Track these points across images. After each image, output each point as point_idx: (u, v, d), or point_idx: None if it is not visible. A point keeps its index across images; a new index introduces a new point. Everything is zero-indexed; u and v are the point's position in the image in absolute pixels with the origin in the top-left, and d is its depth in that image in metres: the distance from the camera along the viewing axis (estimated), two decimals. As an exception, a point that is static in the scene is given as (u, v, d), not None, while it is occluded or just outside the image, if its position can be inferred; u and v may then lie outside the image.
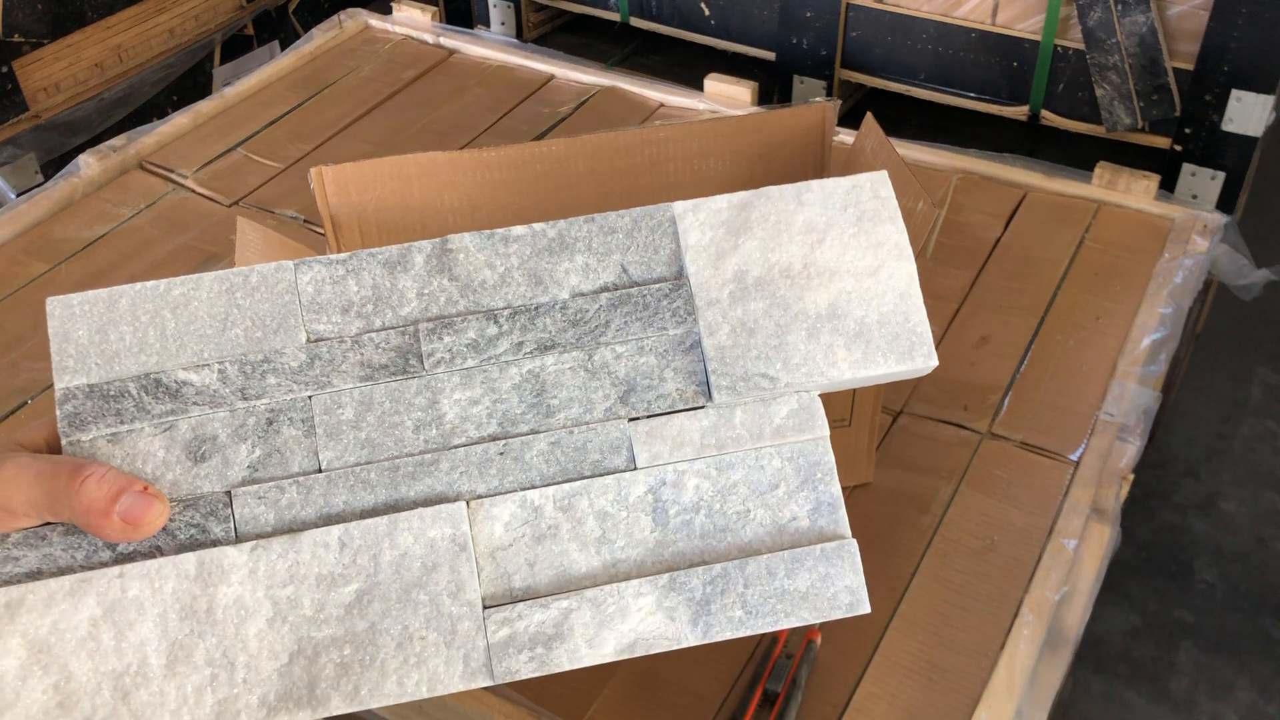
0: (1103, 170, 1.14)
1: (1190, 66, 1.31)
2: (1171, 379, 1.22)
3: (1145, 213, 1.12)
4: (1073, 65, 1.39)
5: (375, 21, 1.50)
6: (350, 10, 1.52)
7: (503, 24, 1.80)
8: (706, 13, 1.65)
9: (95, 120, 1.73)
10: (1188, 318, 1.02)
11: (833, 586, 0.48)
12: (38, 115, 1.67)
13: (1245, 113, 1.29)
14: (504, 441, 0.47)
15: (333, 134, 1.29)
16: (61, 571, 0.45)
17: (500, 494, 0.47)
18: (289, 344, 0.47)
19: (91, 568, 0.45)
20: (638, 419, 0.48)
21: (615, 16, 1.73)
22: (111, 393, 0.46)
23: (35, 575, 0.45)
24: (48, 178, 1.25)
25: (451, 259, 0.49)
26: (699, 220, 0.50)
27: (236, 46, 1.97)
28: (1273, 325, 1.86)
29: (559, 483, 0.47)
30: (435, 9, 1.50)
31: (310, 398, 0.47)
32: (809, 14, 1.54)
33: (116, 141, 1.26)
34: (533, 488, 0.47)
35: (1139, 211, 1.12)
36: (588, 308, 0.49)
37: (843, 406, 0.79)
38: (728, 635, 0.46)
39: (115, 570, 0.45)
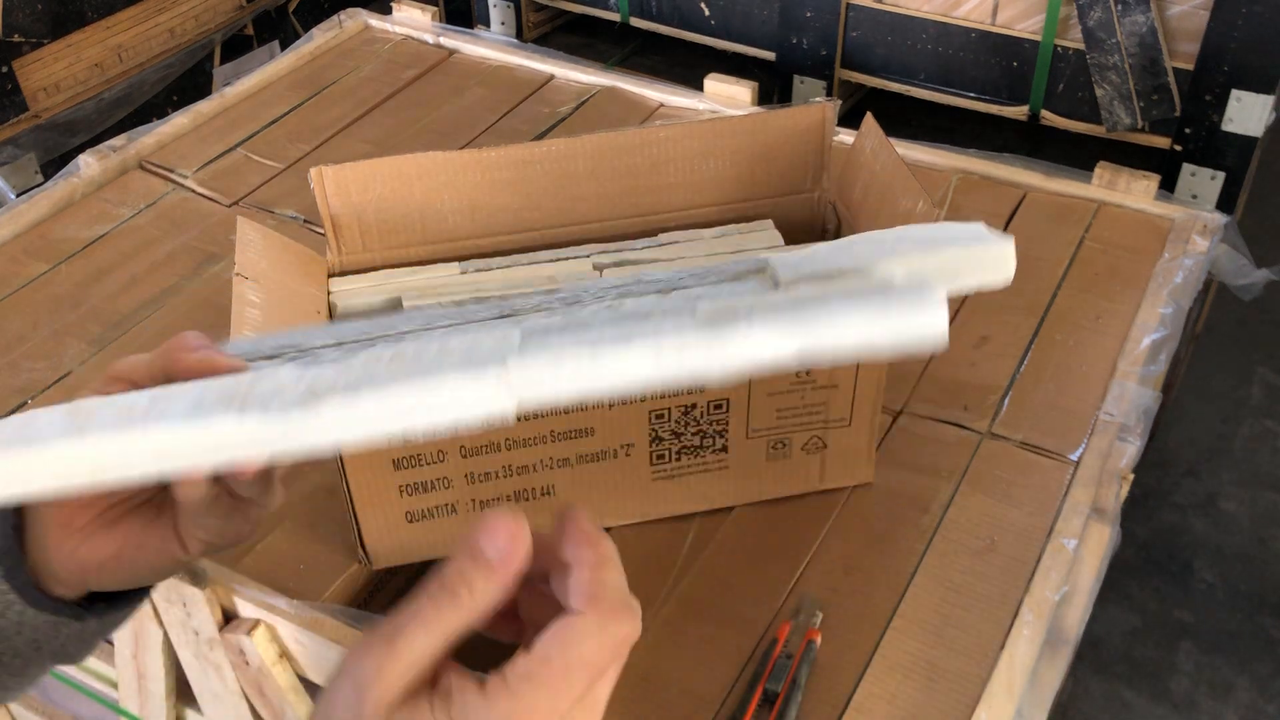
0: (1103, 170, 1.14)
1: (1190, 66, 1.31)
2: (1171, 379, 1.22)
3: (1145, 213, 1.12)
4: (1073, 65, 1.39)
5: (375, 21, 1.50)
6: (350, 10, 1.52)
7: (503, 24, 1.80)
8: (706, 13, 1.65)
9: (95, 120, 1.73)
10: (1188, 318, 1.02)
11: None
12: (38, 115, 1.67)
13: (1245, 113, 1.29)
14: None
15: (333, 134, 1.29)
16: None
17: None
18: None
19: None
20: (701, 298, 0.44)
21: (615, 16, 1.73)
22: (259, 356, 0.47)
23: None
24: (47, 178, 1.25)
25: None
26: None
27: (236, 46, 1.97)
28: (1273, 325, 1.86)
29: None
30: (435, 9, 1.50)
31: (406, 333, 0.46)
32: (809, 14, 1.54)
33: (116, 141, 1.26)
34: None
35: (1139, 211, 1.12)
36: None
37: (843, 406, 0.79)
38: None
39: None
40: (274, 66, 1.41)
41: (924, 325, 0.41)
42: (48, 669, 0.53)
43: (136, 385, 0.45)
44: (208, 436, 0.40)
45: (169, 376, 0.44)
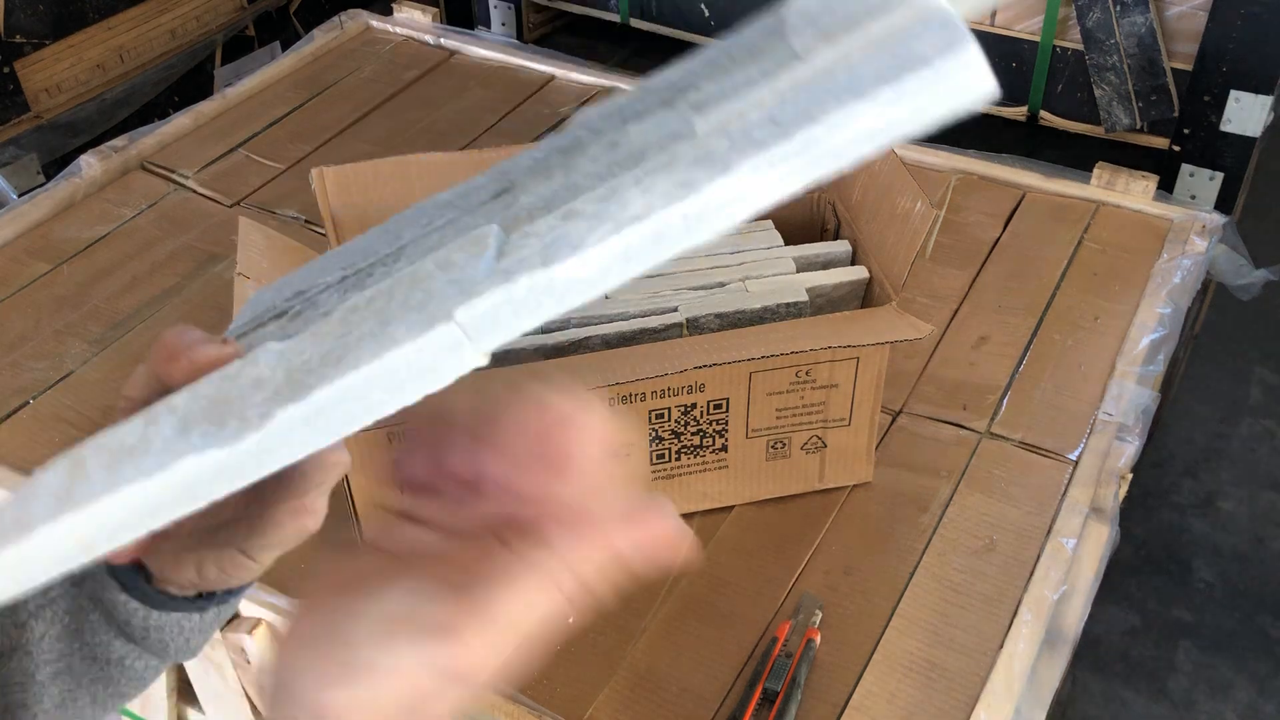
0: (1101, 170, 1.14)
1: (1189, 67, 1.31)
2: (1170, 379, 1.22)
3: (1144, 213, 1.12)
4: (1071, 66, 1.40)
5: (376, 22, 1.50)
6: (351, 11, 1.52)
7: (503, 25, 1.80)
8: (706, 14, 1.65)
9: (97, 121, 1.74)
10: (1186, 318, 1.02)
11: (908, 43, 0.30)
12: (39, 115, 1.67)
13: (1243, 113, 1.30)
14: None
15: (334, 134, 1.29)
16: None
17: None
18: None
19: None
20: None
21: (615, 17, 1.73)
22: (260, 318, 0.43)
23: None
24: (49, 178, 1.26)
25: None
26: None
27: (238, 47, 1.97)
28: (1271, 325, 1.86)
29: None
30: (436, 10, 1.50)
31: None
32: (809, 15, 1.54)
33: (118, 142, 1.26)
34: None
35: (1137, 212, 1.12)
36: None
37: (842, 406, 0.80)
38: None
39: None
40: (275, 67, 1.41)
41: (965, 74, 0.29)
42: (168, 666, 0.53)
43: (141, 401, 0.41)
44: (183, 481, 0.36)
45: (165, 387, 0.41)
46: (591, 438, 0.34)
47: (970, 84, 0.30)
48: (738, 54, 0.35)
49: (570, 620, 0.34)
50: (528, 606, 0.33)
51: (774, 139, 0.31)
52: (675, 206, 0.32)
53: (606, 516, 0.33)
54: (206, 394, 0.37)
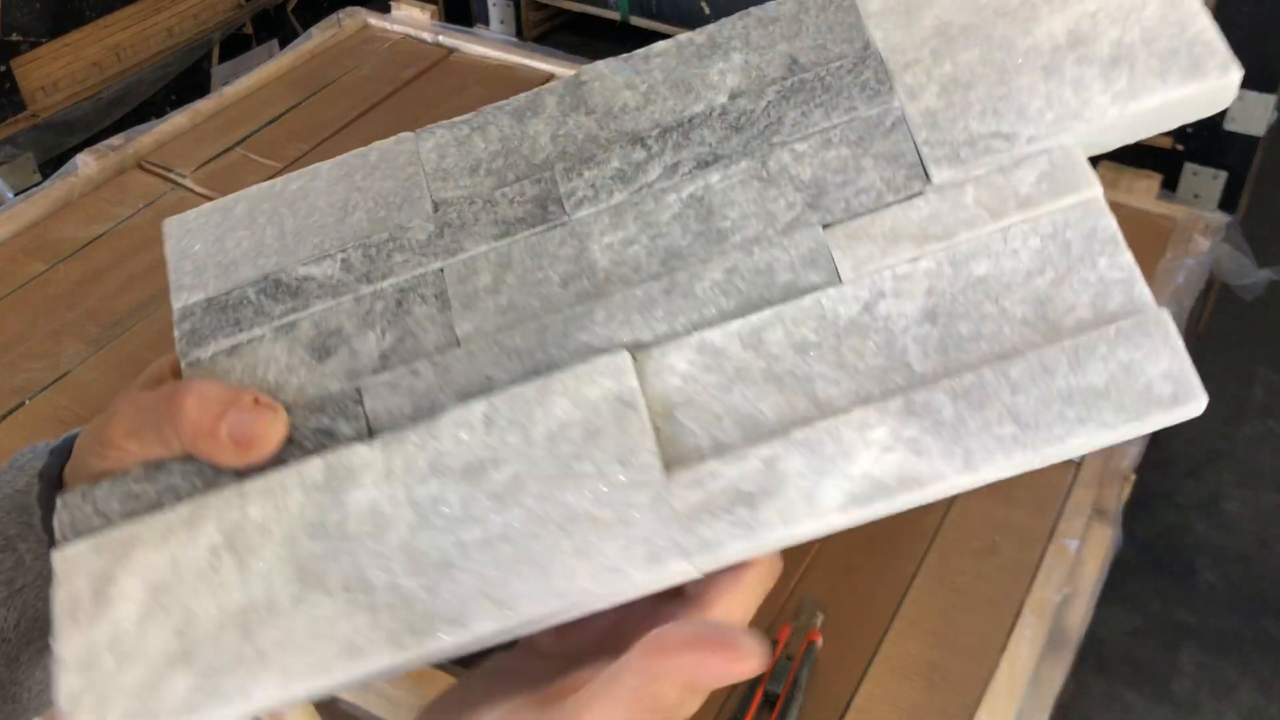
0: (1104, 169, 1.13)
1: (1192, 65, 1.31)
2: (1173, 379, 1.21)
3: (1147, 212, 1.11)
4: (1074, 64, 1.39)
5: (374, 20, 1.50)
6: (349, 9, 1.51)
7: (502, 23, 1.80)
8: (707, 11, 1.64)
9: (93, 119, 1.73)
10: (1190, 318, 1.01)
11: (1142, 375, 0.34)
12: (36, 114, 1.67)
13: (1247, 112, 1.29)
14: (668, 278, 0.38)
15: (332, 133, 1.29)
16: (178, 499, 0.39)
17: (670, 339, 0.37)
18: (415, 217, 0.41)
19: (210, 488, 0.38)
20: (833, 224, 0.37)
21: (615, 15, 1.73)
22: (230, 303, 0.41)
23: (155, 508, 0.38)
24: (45, 177, 1.25)
25: (586, 91, 0.40)
26: None
27: (235, 45, 1.97)
28: (1275, 325, 1.86)
29: (744, 314, 0.37)
30: (434, 7, 1.49)
31: (441, 269, 0.40)
32: (809, 13, 1.54)
33: (115, 141, 1.26)
34: (710, 326, 0.37)
35: (1141, 211, 1.12)
36: (752, 108, 0.39)
37: (843, 406, 0.79)
38: (1000, 461, 0.34)
39: (235, 490, 0.38)
40: (273, 65, 1.41)
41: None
42: None
43: (142, 458, 0.39)
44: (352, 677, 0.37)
45: (184, 452, 0.39)
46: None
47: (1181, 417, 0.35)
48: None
49: None
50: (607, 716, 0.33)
51: (1019, 448, 0.34)
52: (904, 492, 0.34)
53: (686, 638, 0.33)
54: (387, 626, 0.37)
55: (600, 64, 0.40)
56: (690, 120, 0.39)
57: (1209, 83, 0.37)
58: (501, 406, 0.37)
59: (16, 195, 1.26)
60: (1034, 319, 0.35)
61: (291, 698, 0.37)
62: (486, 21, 1.81)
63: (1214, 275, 1.10)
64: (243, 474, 0.38)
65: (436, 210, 0.41)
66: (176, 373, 0.41)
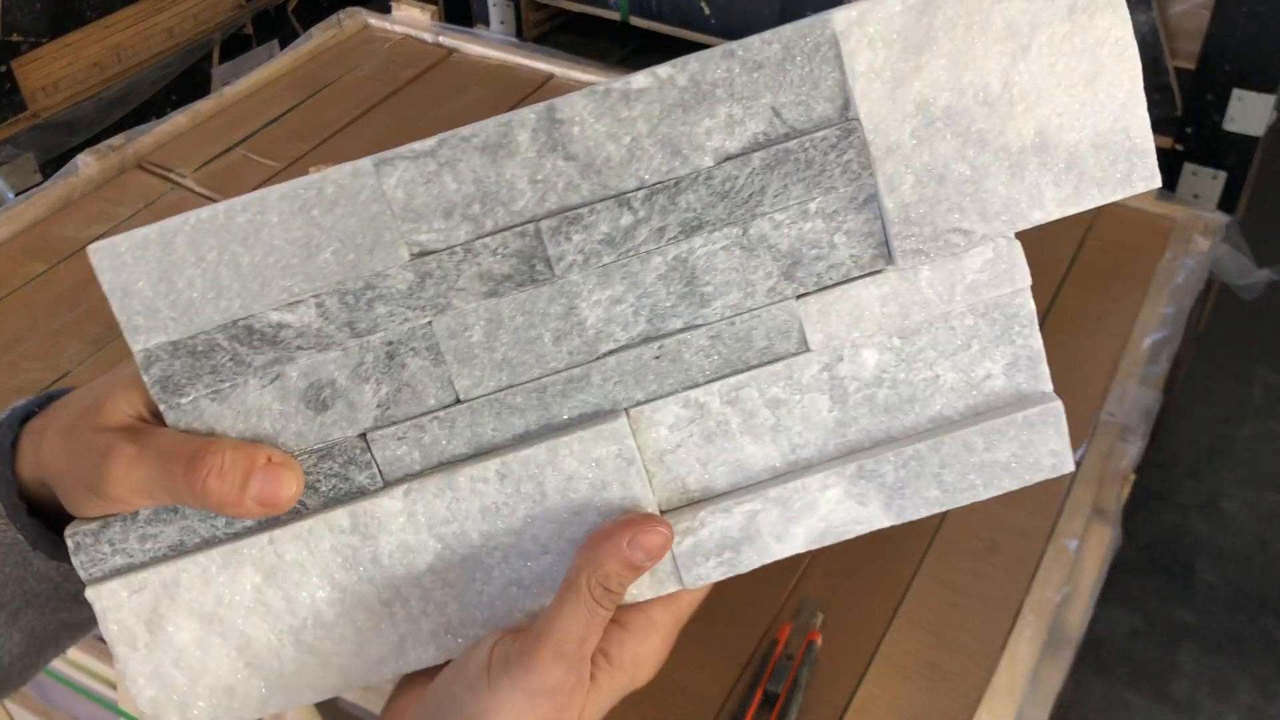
0: (1104, 170, 1.13)
1: (1191, 66, 1.31)
2: (1173, 379, 1.22)
3: (1146, 212, 1.11)
4: (1074, 64, 1.39)
5: (374, 20, 1.50)
6: (349, 9, 1.51)
7: (502, 23, 1.80)
8: (707, 11, 1.64)
9: (94, 119, 1.73)
10: (1189, 318, 1.01)
11: (1035, 452, 0.43)
12: (36, 114, 1.67)
13: (1246, 112, 1.29)
14: (658, 344, 0.42)
15: (332, 133, 1.29)
16: (206, 543, 0.42)
17: (660, 397, 0.42)
18: (391, 263, 0.40)
19: (238, 536, 0.42)
20: (806, 295, 0.42)
21: (615, 16, 1.73)
22: (199, 348, 0.40)
23: (179, 549, 0.42)
24: (46, 177, 1.25)
25: (564, 134, 0.40)
26: (868, 37, 0.40)
27: (235, 46, 1.97)
28: (1275, 325, 1.86)
29: (723, 376, 0.42)
30: (435, 8, 1.49)
31: (430, 323, 0.41)
32: (810, 13, 1.54)
33: (115, 141, 1.26)
34: (695, 386, 0.42)
35: (1140, 211, 1.12)
36: (737, 174, 0.41)
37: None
38: (922, 514, 0.43)
39: (264, 538, 0.42)
40: (273, 66, 1.41)
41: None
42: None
43: (130, 506, 0.41)
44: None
45: (184, 503, 0.41)
46: None
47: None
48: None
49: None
50: (574, 616, 0.40)
51: (937, 505, 0.43)
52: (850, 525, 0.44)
53: (607, 530, 0.41)
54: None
55: (577, 100, 0.40)
56: (677, 184, 0.41)
57: (1134, 189, 0.42)
58: (514, 464, 0.42)
59: (17, 195, 1.26)
60: (960, 386, 0.43)
61: (353, 687, 0.44)
62: (486, 22, 1.81)
63: (1213, 275, 1.10)
64: (264, 523, 0.42)
65: (414, 257, 0.41)
66: (150, 405, 0.42)
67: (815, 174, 0.41)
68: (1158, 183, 0.42)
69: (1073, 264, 1.06)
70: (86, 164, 1.22)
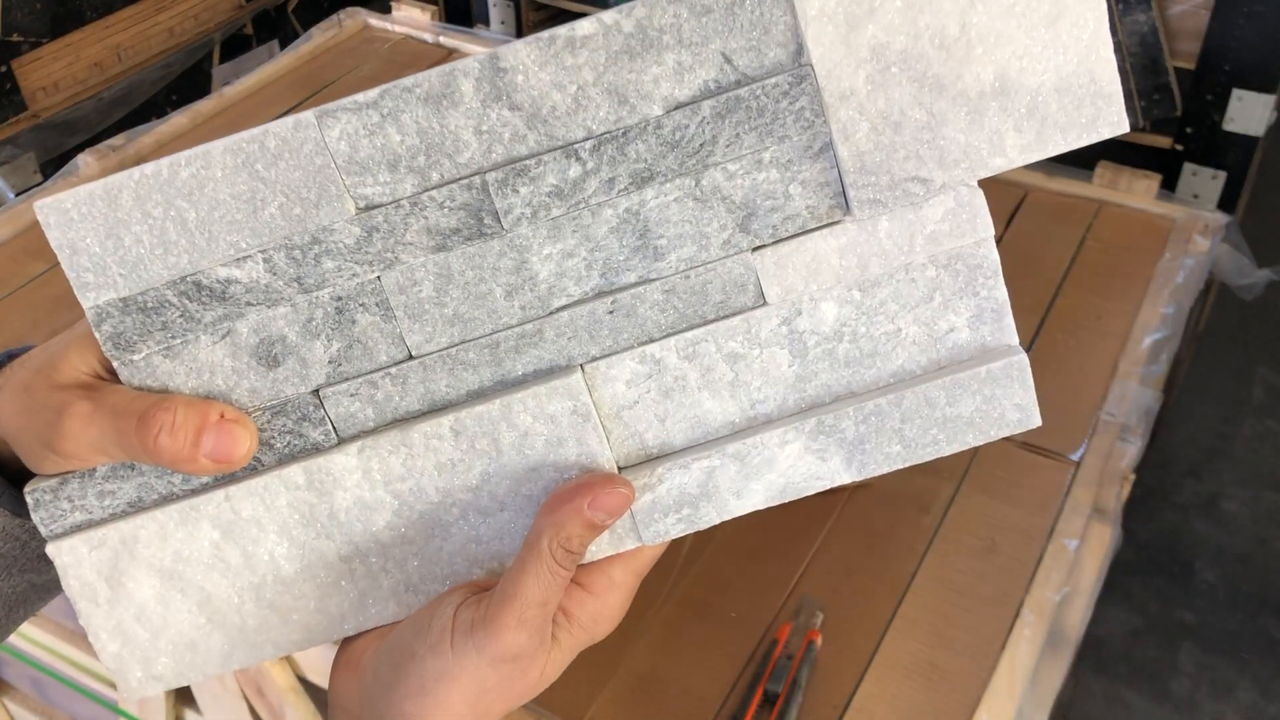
0: (1104, 170, 1.13)
1: (1191, 66, 1.31)
2: (1173, 379, 1.22)
3: (1146, 212, 1.11)
4: (1074, 64, 1.39)
5: (375, 21, 1.50)
6: (349, 9, 1.51)
7: (502, 23, 1.80)
8: (707, 12, 1.64)
9: (94, 119, 1.73)
10: (1189, 318, 1.01)
11: (999, 406, 0.42)
12: (36, 114, 1.67)
13: (1246, 112, 1.29)
14: (612, 298, 0.41)
15: (332, 133, 1.29)
16: (163, 500, 0.42)
17: (616, 353, 0.42)
18: (337, 218, 0.40)
19: (195, 493, 0.42)
20: (762, 247, 0.41)
21: (615, 16, 1.73)
22: (149, 304, 0.40)
23: (137, 505, 0.42)
24: (46, 177, 1.25)
25: (508, 82, 0.39)
26: None
27: (236, 46, 1.97)
28: (1274, 325, 1.86)
29: (680, 331, 0.41)
30: (435, 8, 1.49)
31: (378, 278, 0.41)
32: (809, 13, 1.54)
33: (115, 141, 1.26)
34: (651, 341, 0.41)
35: (1140, 211, 1.12)
36: (687, 123, 0.39)
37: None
38: (884, 470, 0.42)
39: (221, 494, 0.42)
40: (273, 66, 1.41)
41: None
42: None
43: (85, 462, 0.41)
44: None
45: (138, 460, 0.41)
46: None
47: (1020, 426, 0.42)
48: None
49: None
50: (537, 580, 0.39)
51: (899, 461, 0.42)
52: (810, 480, 0.43)
53: (568, 492, 0.41)
54: None
55: (520, 47, 0.39)
56: (625, 133, 0.40)
57: (1100, 134, 0.41)
58: (468, 421, 0.41)
59: (17, 195, 1.26)
60: (923, 340, 0.42)
61: (315, 644, 0.44)
62: (487, 22, 1.81)
63: (1213, 275, 1.11)
64: (220, 479, 0.42)
65: (360, 211, 0.40)
66: (105, 362, 0.42)
67: (768, 122, 0.39)
68: (1125, 128, 0.40)
69: (1072, 264, 1.06)
70: (87, 164, 1.22)
